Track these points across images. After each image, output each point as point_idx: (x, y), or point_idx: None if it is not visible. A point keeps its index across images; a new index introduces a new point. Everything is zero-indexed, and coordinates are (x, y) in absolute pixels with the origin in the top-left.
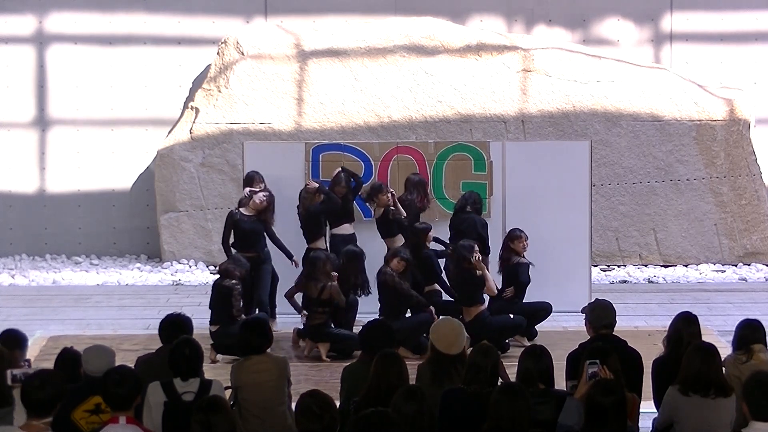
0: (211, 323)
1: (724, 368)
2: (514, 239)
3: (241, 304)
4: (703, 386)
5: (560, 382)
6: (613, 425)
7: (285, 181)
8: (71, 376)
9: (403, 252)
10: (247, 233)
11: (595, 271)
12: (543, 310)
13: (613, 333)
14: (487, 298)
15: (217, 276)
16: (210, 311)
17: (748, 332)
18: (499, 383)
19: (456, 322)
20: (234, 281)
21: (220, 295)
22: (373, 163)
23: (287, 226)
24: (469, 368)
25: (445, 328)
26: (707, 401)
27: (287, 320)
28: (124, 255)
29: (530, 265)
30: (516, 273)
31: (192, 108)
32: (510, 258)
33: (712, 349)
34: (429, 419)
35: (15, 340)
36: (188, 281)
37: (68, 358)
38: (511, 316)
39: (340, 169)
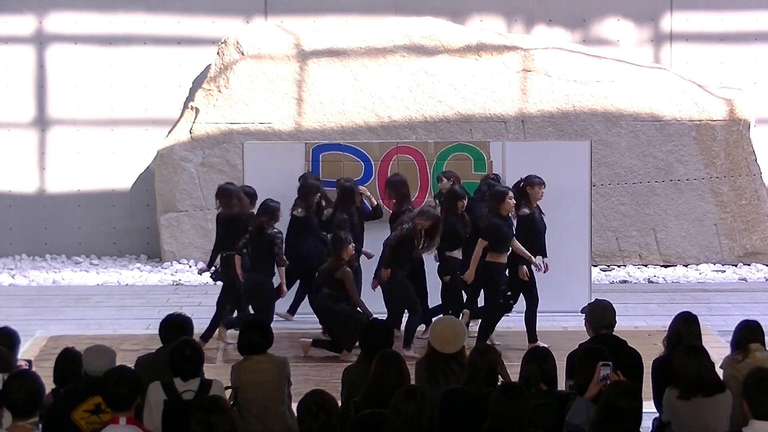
0: (244, 270)
1: (721, 369)
2: (534, 185)
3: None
4: (702, 387)
5: (560, 382)
6: (628, 427)
7: (285, 181)
8: (72, 376)
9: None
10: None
11: (595, 271)
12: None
13: (613, 333)
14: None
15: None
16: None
17: (746, 333)
18: (499, 383)
19: (454, 321)
20: (275, 230)
21: (260, 245)
22: (373, 163)
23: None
24: (468, 367)
25: (443, 326)
26: (705, 401)
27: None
28: (124, 255)
29: (542, 216)
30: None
31: (192, 108)
32: (519, 205)
33: (700, 349)
34: (428, 419)
35: (8, 338)
36: (188, 281)
37: (69, 358)
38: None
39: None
